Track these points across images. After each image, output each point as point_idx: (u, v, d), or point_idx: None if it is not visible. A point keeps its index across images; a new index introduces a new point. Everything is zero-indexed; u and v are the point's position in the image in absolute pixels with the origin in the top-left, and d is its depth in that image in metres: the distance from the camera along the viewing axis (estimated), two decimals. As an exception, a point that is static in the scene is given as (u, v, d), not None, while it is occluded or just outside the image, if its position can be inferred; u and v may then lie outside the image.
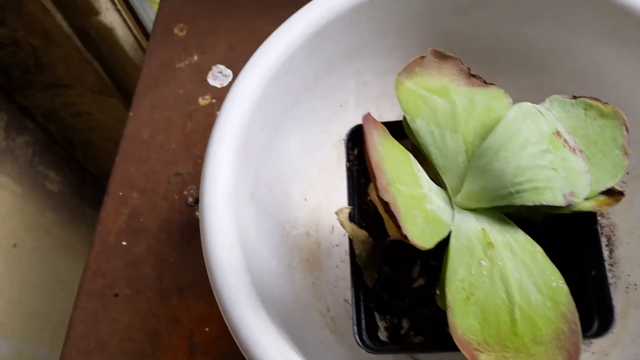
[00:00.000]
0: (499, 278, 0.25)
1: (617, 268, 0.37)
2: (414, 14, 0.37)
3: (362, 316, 0.30)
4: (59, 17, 0.45)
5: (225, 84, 0.45)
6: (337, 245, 0.39)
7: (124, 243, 0.40)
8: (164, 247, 0.40)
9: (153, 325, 0.38)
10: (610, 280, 0.37)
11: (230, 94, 0.32)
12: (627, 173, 0.37)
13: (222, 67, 0.46)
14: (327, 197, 0.40)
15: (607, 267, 0.37)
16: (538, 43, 0.38)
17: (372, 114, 0.42)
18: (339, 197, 0.40)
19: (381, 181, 0.23)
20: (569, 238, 0.30)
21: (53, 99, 0.54)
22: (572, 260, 0.30)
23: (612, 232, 0.38)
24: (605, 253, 0.38)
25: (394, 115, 0.43)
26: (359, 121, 0.42)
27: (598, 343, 0.35)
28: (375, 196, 0.23)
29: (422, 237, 0.24)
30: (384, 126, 0.26)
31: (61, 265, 0.61)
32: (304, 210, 0.39)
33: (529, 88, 0.41)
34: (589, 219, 0.30)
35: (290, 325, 0.32)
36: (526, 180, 0.26)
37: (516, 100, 0.41)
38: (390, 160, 0.25)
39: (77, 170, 0.63)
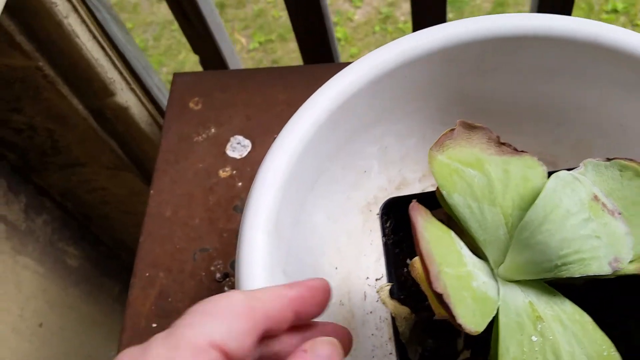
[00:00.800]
0: (551, 353, 0.25)
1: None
2: (432, 80, 0.38)
3: None
4: (75, 101, 0.46)
5: (244, 154, 0.46)
6: (370, 312, 0.39)
7: (154, 325, 0.40)
8: (196, 327, 0.39)
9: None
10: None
11: (259, 177, 0.32)
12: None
13: (240, 138, 0.46)
14: (356, 264, 0.40)
15: None
16: (557, 99, 0.38)
17: (395, 177, 0.43)
18: (367, 264, 0.40)
19: (433, 271, 0.22)
20: (615, 300, 0.30)
21: (69, 178, 0.54)
22: (619, 323, 0.30)
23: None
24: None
25: (416, 177, 0.43)
26: (384, 185, 0.42)
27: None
28: (426, 285, 0.23)
29: (473, 321, 0.23)
30: (427, 210, 0.26)
31: (85, 339, 0.61)
32: (335, 280, 0.39)
33: (551, 142, 0.41)
34: (634, 280, 0.29)
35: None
36: (572, 252, 0.26)
37: (540, 155, 0.41)
38: (435, 243, 0.25)
39: (93, 243, 0.63)
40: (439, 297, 0.22)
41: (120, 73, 0.47)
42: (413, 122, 0.40)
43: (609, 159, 0.29)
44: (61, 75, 0.44)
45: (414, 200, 0.25)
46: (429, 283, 0.22)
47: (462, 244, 0.27)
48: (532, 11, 0.60)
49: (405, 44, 0.35)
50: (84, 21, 0.43)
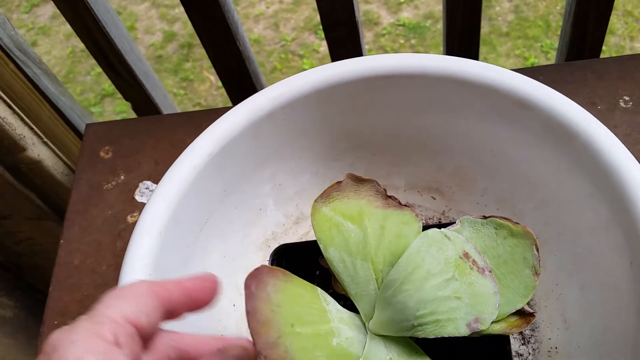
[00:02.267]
0: None
1: (539, 332, 0.38)
2: (313, 119, 0.40)
3: None
4: (-14, 157, 0.47)
5: (152, 199, 0.47)
6: (270, 346, 0.40)
7: (62, 373, 0.41)
8: (101, 372, 0.40)
9: None
10: (534, 346, 0.38)
11: (137, 225, 0.34)
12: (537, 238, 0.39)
13: (148, 183, 0.48)
14: (255, 300, 0.41)
15: (529, 332, 0.39)
16: (431, 130, 0.41)
17: (293, 212, 0.44)
18: (266, 298, 0.42)
19: (265, 339, 0.23)
20: (485, 357, 0.31)
21: (-7, 231, 0.55)
22: None
23: (531, 297, 0.40)
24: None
25: (313, 210, 0.44)
26: (281, 221, 0.44)
27: (527, 412, 0.36)
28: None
29: None
30: (283, 270, 0.26)
31: (22, 391, 0.61)
32: (232, 317, 0.40)
33: (435, 170, 0.43)
34: (501, 340, 0.30)
35: None
36: (428, 313, 0.27)
37: (427, 183, 0.44)
38: (291, 304, 0.25)
39: (28, 292, 0.63)
40: None
41: (31, 128, 0.49)
42: (303, 160, 0.42)
43: (485, 217, 0.31)
44: (-31, 134, 0.45)
45: (261, 265, 0.26)
46: (258, 353, 0.23)
47: (329, 299, 0.28)
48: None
49: (277, 90, 0.38)
50: (-14, 82, 0.44)
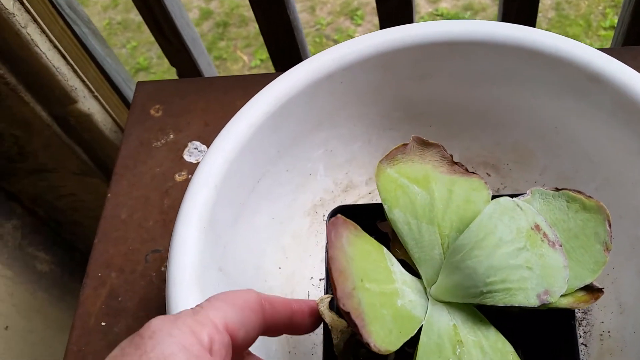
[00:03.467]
0: None
1: (591, 316, 0.37)
2: (370, 85, 0.39)
3: None
4: (38, 107, 0.47)
5: (200, 159, 0.47)
6: (314, 312, 0.40)
7: (104, 324, 0.41)
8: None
9: (135, 406, 0.38)
10: (585, 329, 0.37)
11: (195, 175, 0.34)
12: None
13: (197, 144, 0.48)
14: (301, 265, 0.41)
15: (581, 315, 0.38)
16: (492, 102, 0.40)
17: (342, 180, 0.44)
18: (312, 264, 0.41)
19: (343, 288, 0.23)
20: (547, 332, 0.30)
21: (37, 184, 0.55)
22: (548, 356, 0.30)
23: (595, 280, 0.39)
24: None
25: (363, 179, 0.44)
26: (330, 188, 0.43)
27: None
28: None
29: (387, 340, 0.24)
30: (355, 224, 0.26)
31: (54, 344, 0.62)
32: (278, 279, 0.40)
33: (492, 144, 0.42)
34: (566, 314, 0.29)
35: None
36: (498, 281, 0.26)
37: (482, 158, 0.43)
38: (360, 259, 0.25)
39: (66, 249, 0.64)
40: (347, 314, 0.23)
41: (83, 81, 0.49)
42: (356, 127, 0.42)
43: (557, 189, 0.29)
44: (23, 83, 0.45)
45: (338, 215, 0.26)
46: (337, 300, 0.23)
47: (394, 260, 0.28)
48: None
49: (340, 50, 0.37)
50: (43, 31, 0.44)
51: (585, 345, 0.37)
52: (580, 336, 0.37)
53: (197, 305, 0.23)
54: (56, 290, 0.62)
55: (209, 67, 0.67)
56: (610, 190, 0.37)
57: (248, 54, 1.51)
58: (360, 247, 0.25)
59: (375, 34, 0.37)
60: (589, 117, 0.36)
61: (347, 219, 0.25)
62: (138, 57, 1.55)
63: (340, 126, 0.41)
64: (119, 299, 0.42)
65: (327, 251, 0.24)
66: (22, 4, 0.42)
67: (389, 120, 0.42)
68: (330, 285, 0.32)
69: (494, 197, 0.32)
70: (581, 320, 0.37)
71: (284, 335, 0.38)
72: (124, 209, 0.45)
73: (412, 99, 0.41)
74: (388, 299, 0.25)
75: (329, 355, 0.31)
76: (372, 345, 0.23)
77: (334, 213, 0.34)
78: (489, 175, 0.42)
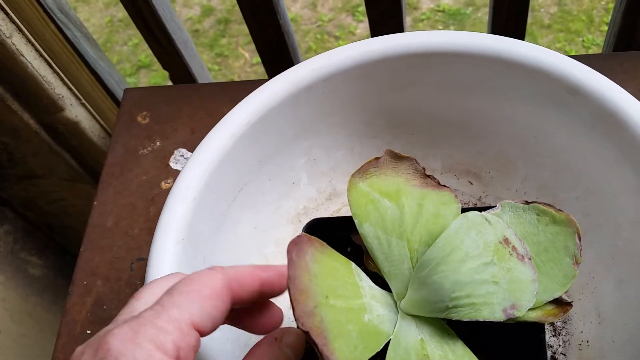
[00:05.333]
0: None
1: (570, 325, 0.38)
2: (352, 95, 0.39)
3: None
4: (26, 115, 0.47)
5: (186, 166, 0.47)
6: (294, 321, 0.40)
7: (89, 332, 0.41)
8: (128, 333, 0.41)
9: (119, 414, 0.38)
10: (564, 338, 0.37)
11: (174, 188, 0.34)
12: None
13: (183, 151, 0.48)
14: (284, 273, 0.41)
15: (561, 325, 0.38)
16: (474, 112, 0.40)
17: (326, 188, 0.44)
18: (295, 272, 0.41)
19: (303, 307, 0.23)
20: (517, 345, 0.30)
21: (28, 189, 0.56)
22: None
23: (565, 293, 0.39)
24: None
25: (346, 187, 0.44)
26: (313, 196, 0.44)
27: (554, 404, 0.35)
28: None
29: (352, 356, 0.23)
30: (321, 241, 0.26)
31: (47, 347, 0.62)
32: (261, 289, 0.40)
33: (475, 154, 0.42)
34: (536, 328, 0.29)
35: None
36: (464, 296, 0.26)
37: (465, 166, 0.43)
38: (326, 276, 0.25)
39: (58, 253, 0.64)
40: (307, 334, 0.23)
41: (70, 89, 0.49)
42: (339, 136, 0.42)
43: (527, 202, 0.30)
44: (10, 92, 0.45)
45: (301, 234, 0.25)
46: (296, 320, 0.23)
47: (363, 275, 0.28)
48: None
49: (319, 62, 0.37)
50: (29, 40, 0.45)
51: (565, 355, 0.37)
52: (560, 345, 0.37)
53: (156, 304, 0.21)
54: (48, 294, 0.63)
55: (202, 70, 0.67)
56: (590, 200, 0.37)
57: (250, 50, 1.51)
58: (327, 263, 0.26)
59: (354, 45, 0.37)
60: (569, 128, 0.36)
61: (312, 237, 0.25)
62: (140, 55, 1.55)
63: (323, 135, 0.41)
64: (104, 307, 0.42)
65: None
66: (7, 13, 0.42)
67: (372, 128, 0.42)
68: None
69: (470, 209, 0.32)
70: (561, 330, 0.38)
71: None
72: (110, 216, 0.45)
73: (394, 108, 0.41)
74: (355, 314, 0.25)
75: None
76: None
77: (308, 227, 0.35)
78: (471, 184, 0.43)
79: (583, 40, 1.38)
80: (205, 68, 0.68)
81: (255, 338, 0.38)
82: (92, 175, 0.56)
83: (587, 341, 0.37)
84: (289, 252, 0.23)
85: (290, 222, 0.43)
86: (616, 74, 0.47)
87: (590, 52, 1.34)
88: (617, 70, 0.48)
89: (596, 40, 1.36)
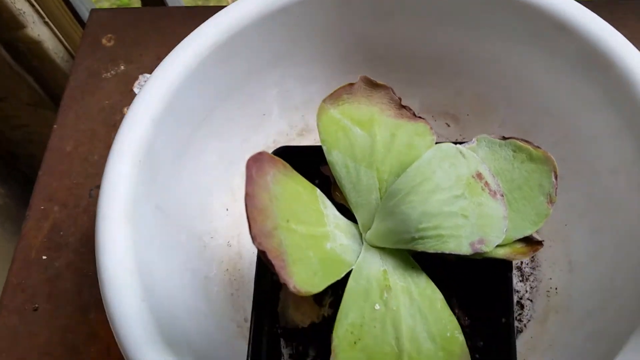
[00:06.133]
0: (390, 324, 0.24)
1: (539, 271, 0.37)
2: (330, 23, 0.37)
3: (264, 344, 0.29)
4: (-17, 30, 0.44)
5: (153, 93, 0.45)
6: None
7: (45, 257, 0.39)
8: (84, 261, 0.39)
9: (71, 340, 0.37)
10: (532, 284, 0.37)
11: (132, 107, 0.32)
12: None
13: (148, 76, 0.45)
14: (249, 207, 0.40)
15: (529, 270, 0.37)
16: (456, 49, 0.38)
17: (298, 122, 0.42)
18: (261, 206, 0.40)
19: (261, 227, 0.21)
20: (484, 282, 0.29)
21: (-12, 113, 0.53)
22: (483, 305, 0.30)
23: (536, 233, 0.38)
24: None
25: (320, 123, 0.42)
26: (285, 130, 0.42)
27: (516, 348, 0.35)
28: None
29: (310, 282, 0.22)
30: (284, 162, 0.24)
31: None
32: (225, 221, 0.38)
33: (453, 95, 0.41)
34: (503, 265, 0.28)
35: (203, 341, 0.32)
36: (431, 227, 0.25)
37: (443, 107, 0.41)
38: (289, 199, 0.23)
39: (21, 182, 0.62)
40: (263, 254, 0.21)
41: (32, 5, 0.46)
42: (315, 67, 0.40)
43: (504, 138, 0.28)
44: (-35, 3, 0.42)
45: (263, 151, 0.24)
46: (252, 239, 0.21)
47: (328, 203, 0.26)
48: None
49: (296, -19, 0.35)
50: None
51: (531, 301, 0.36)
52: (527, 291, 0.36)
53: None
54: (10, 224, 0.61)
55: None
56: (568, 146, 0.36)
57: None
58: (290, 187, 0.24)
59: (334, -35, 0.35)
60: (552, 67, 0.35)
61: (275, 157, 0.24)
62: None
63: (298, 65, 0.39)
64: (61, 233, 0.40)
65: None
66: None
67: (349, 63, 0.40)
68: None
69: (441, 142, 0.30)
70: (529, 276, 0.37)
71: (228, 277, 0.37)
72: (70, 141, 0.43)
73: (373, 40, 0.39)
74: (316, 241, 0.24)
75: (260, 291, 0.30)
76: (291, 286, 0.21)
77: (275, 153, 0.33)
78: (449, 126, 0.41)
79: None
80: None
81: (216, 270, 0.37)
82: (55, 101, 0.53)
83: (556, 288, 0.36)
84: (248, 168, 0.22)
85: (259, 155, 0.41)
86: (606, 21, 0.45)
87: None
88: (606, 18, 0.46)
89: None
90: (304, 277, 0.22)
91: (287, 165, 0.24)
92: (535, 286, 0.36)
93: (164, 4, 0.53)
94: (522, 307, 0.36)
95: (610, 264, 0.33)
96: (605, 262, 0.33)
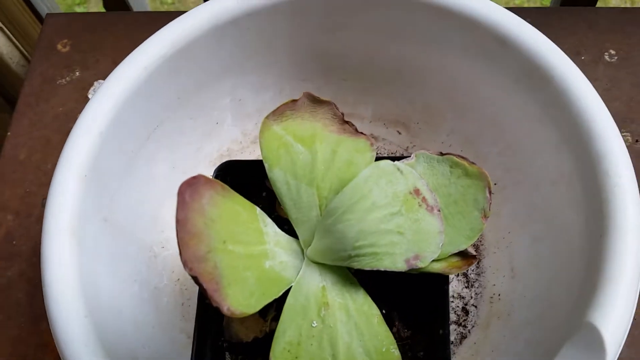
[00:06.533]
0: (327, 341, 0.25)
1: (483, 278, 0.38)
2: (281, 33, 0.37)
3: (208, 357, 0.29)
4: None
5: (107, 100, 0.45)
6: (213, 264, 0.39)
7: (-4, 268, 0.39)
8: (37, 271, 0.39)
9: (23, 351, 0.37)
10: (477, 290, 0.38)
11: (78, 120, 0.32)
12: (495, 184, 0.38)
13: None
14: (202, 216, 0.40)
15: (474, 277, 0.38)
16: (407, 59, 0.38)
17: (251, 130, 0.42)
18: (214, 215, 0.40)
19: (194, 252, 0.21)
20: (422, 295, 0.30)
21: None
22: (422, 317, 0.31)
23: (480, 241, 0.39)
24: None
25: (274, 131, 0.42)
26: (238, 138, 0.42)
27: (460, 354, 0.36)
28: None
29: (246, 303, 0.23)
30: (222, 184, 0.24)
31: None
32: (174, 231, 0.39)
33: (405, 103, 0.41)
34: (440, 279, 0.29)
35: (150, 354, 0.32)
36: (367, 245, 0.25)
37: (395, 116, 0.42)
38: (226, 220, 0.24)
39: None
40: (195, 279, 0.21)
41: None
42: (268, 76, 0.40)
43: (442, 154, 0.29)
44: None
45: (198, 174, 0.24)
46: (183, 265, 0.22)
47: (268, 221, 0.27)
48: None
49: (245, -6, 0.35)
50: None
51: (476, 307, 0.37)
52: (472, 297, 0.38)
53: None
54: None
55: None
56: (511, 156, 0.37)
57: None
58: (228, 207, 0.24)
59: (283, -21, 0.35)
60: (496, 81, 0.35)
61: (213, 179, 0.24)
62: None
63: (249, 74, 0.39)
64: (14, 242, 0.40)
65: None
66: None
67: (303, 71, 0.40)
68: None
69: (384, 157, 0.31)
70: (474, 282, 0.38)
71: (179, 287, 0.38)
72: (24, 149, 0.43)
73: (326, 51, 0.39)
74: (255, 260, 0.25)
75: (203, 304, 0.30)
76: (225, 309, 0.22)
77: (220, 169, 0.33)
78: (400, 134, 0.42)
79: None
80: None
81: (167, 280, 0.37)
82: (11, 105, 0.53)
83: (499, 295, 0.37)
84: (180, 193, 0.22)
85: (213, 164, 0.41)
86: (554, 29, 0.47)
87: (545, 3, 1.32)
88: (556, 26, 0.47)
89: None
90: (240, 299, 0.23)
91: (225, 186, 0.25)
92: (480, 292, 0.37)
93: (128, 8, 0.53)
94: (467, 313, 0.37)
95: (548, 274, 0.34)
96: (543, 271, 0.34)
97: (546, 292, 0.34)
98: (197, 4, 0.57)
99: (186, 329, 0.36)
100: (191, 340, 0.36)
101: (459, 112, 0.39)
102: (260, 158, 0.41)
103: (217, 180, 0.24)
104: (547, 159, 0.34)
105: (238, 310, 0.23)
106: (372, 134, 0.42)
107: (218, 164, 0.41)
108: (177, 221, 0.22)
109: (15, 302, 0.38)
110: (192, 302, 0.37)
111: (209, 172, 0.41)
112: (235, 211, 0.25)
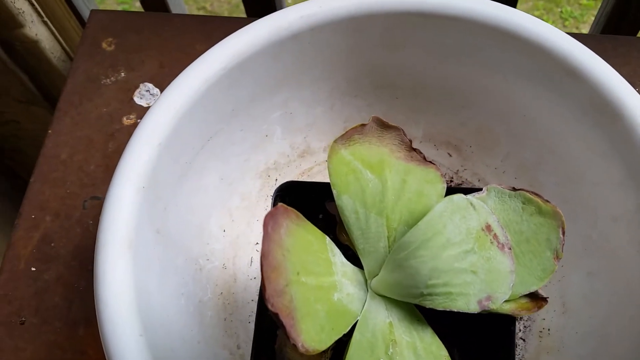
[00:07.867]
0: None
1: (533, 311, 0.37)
2: (339, 50, 0.37)
3: None
4: (-21, 28, 0.43)
5: (152, 103, 0.44)
6: (254, 278, 0.39)
7: (34, 269, 0.39)
8: (75, 275, 0.38)
9: (59, 357, 0.37)
10: (526, 323, 0.37)
11: (138, 131, 0.31)
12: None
13: (150, 86, 0.45)
14: (247, 229, 0.39)
15: (523, 309, 0.37)
16: (463, 80, 0.38)
17: (300, 144, 0.42)
18: (259, 229, 0.39)
19: (274, 286, 0.21)
20: (486, 335, 0.29)
21: (-23, 107, 0.52)
22: (484, 357, 0.30)
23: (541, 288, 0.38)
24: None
25: (322, 146, 0.42)
26: (286, 152, 0.41)
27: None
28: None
29: (318, 338, 0.22)
30: (297, 212, 0.24)
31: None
32: (221, 242, 0.38)
33: (457, 124, 0.40)
34: (507, 319, 0.28)
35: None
36: (440, 284, 0.24)
37: (446, 137, 0.41)
38: (300, 250, 0.23)
39: (7, 176, 0.61)
40: (275, 315, 0.21)
41: (32, 4, 0.45)
42: (320, 91, 0.39)
43: (514, 189, 0.28)
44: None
45: (279, 204, 0.23)
46: (265, 301, 0.21)
47: (336, 250, 0.26)
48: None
49: (310, 8, 0.34)
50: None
51: (524, 340, 0.37)
52: (520, 330, 0.37)
53: None
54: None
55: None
56: (570, 188, 0.36)
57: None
58: (301, 237, 0.24)
59: (349, -5, 0.34)
60: (560, 110, 0.35)
61: (289, 208, 0.23)
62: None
63: (303, 88, 0.39)
64: (52, 244, 0.39)
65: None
66: None
67: (356, 87, 0.40)
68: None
69: (454, 189, 0.30)
70: (523, 315, 0.37)
71: (222, 301, 0.37)
72: (65, 148, 0.42)
73: (381, 68, 0.38)
74: (324, 292, 0.24)
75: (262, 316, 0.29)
76: (299, 345, 0.21)
77: (280, 189, 0.33)
78: (450, 156, 0.41)
79: (561, 11, 1.35)
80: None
81: (211, 294, 0.36)
82: (48, 99, 0.52)
83: (549, 329, 0.36)
84: (265, 225, 0.21)
85: (259, 176, 0.40)
86: (609, 57, 0.46)
87: (567, 24, 1.31)
88: (610, 54, 0.46)
89: (574, 13, 1.33)
90: (312, 334, 0.22)
91: (300, 215, 0.24)
92: (529, 326, 0.37)
93: (166, 9, 0.52)
94: (515, 345, 0.36)
95: (604, 311, 0.33)
96: (599, 307, 0.34)
97: (601, 330, 0.33)
98: (230, 10, 0.56)
99: (229, 345, 0.35)
100: (233, 356, 0.35)
101: (516, 137, 0.38)
102: (312, 174, 0.41)
103: (292, 209, 0.24)
104: (609, 194, 0.34)
105: (311, 346, 0.22)
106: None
107: (263, 177, 0.41)
108: (262, 254, 0.21)
109: (52, 306, 0.38)
110: (234, 317, 0.37)
111: (255, 185, 0.40)
112: (308, 241, 0.24)
